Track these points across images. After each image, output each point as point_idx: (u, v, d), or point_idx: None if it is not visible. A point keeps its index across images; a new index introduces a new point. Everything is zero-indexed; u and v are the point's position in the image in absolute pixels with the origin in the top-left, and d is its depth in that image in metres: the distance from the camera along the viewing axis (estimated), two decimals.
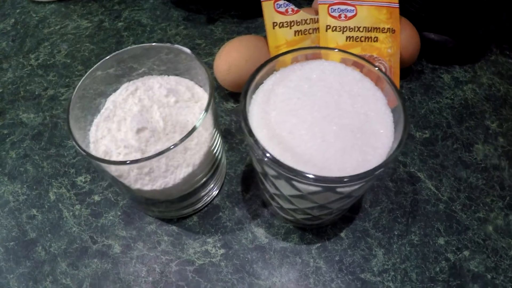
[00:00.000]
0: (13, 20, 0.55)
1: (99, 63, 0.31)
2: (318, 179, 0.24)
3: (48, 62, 0.49)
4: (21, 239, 0.35)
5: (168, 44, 0.31)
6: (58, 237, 0.35)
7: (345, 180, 0.24)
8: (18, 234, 0.36)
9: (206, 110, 0.27)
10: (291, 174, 0.24)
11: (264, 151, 0.24)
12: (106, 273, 0.33)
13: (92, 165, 0.39)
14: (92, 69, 0.31)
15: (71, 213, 0.37)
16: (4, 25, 0.54)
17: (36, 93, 0.46)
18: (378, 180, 0.37)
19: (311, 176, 0.23)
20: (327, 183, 0.24)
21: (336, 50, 0.29)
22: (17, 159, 0.40)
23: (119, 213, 0.36)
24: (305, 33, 0.39)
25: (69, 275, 0.33)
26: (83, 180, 0.38)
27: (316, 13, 0.39)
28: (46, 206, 0.37)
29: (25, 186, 0.39)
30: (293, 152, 0.26)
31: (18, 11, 0.56)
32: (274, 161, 0.24)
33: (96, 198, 0.37)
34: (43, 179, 0.39)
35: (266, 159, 0.24)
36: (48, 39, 0.51)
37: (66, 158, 0.40)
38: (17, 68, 0.49)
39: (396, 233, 0.34)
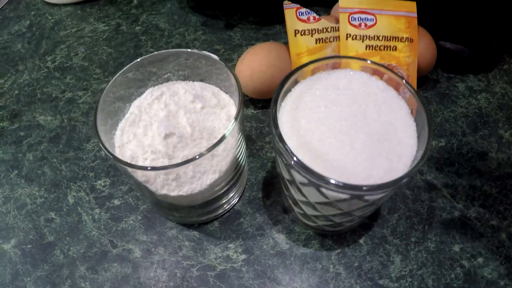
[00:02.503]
0: (28, 22, 0.55)
1: (125, 68, 0.31)
2: (347, 187, 0.24)
3: (65, 65, 0.49)
4: (38, 242, 0.35)
5: (196, 50, 0.31)
6: (77, 240, 0.35)
7: (373, 188, 0.24)
8: (36, 237, 0.36)
9: (236, 118, 0.27)
10: (321, 181, 0.24)
11: (294, 157, 0.25)
12: (126, 277, 0.33)
13: (113, 169, 0.39)
14: (118, 73, 0.31)
15: (90, 217, 0.37)
16: (19, 27, 0.54)
17: (53, 95, 0.46)
18: (397, 189, 0.38)
19: (340, 183, 0.24)
20: (356, 190, 0.24)
21: (369, 61, 0.30)
22: (34, 162, 0.41)
23: (140, 218, 0.36)
24: (326, 41, 0.39)
25: (88, 279, 0.33)
26: (103, 184, 0.38)
27: (336, 21, 0.40)
28: (65, 210, 0.37)
29: (42, 189, 0.39)
30: (323, 159, 0.26)
31: (33, 13, 0.56)
32: (305, 168, 0.24)
33: (116, 202, 0.37)
34: (62, 182, 0.39)
35: (296, 166, 0.25)
36: (65, 42, 0.51)
37: (85, 162, 0.40)
38: (33, 70, 0.49)
39: (413, 240, 0.35)
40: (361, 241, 0.35)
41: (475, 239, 0.35)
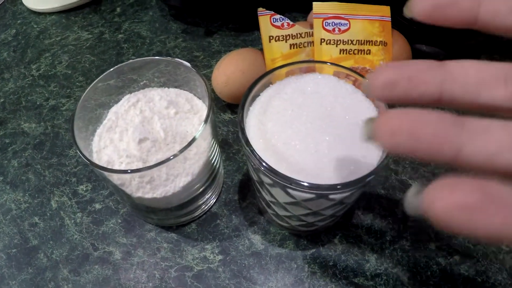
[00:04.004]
0: (14, 30, 0.56)
1: (102, 75, 0.32)
2: (311, 187, 0.25)
3: (49, 73, 0.50)
4: (23, 246, 0.36)
5: (169, 58, 0.32)
6: (60, 244, 0.36)
7: (337, 187, 0.25)
8: (20, 241, 0.37)
9: (205, 121, 0.28)
10: (286, 182, 0.25)
11: (260, 160, 0.25)
12: (107, 279, 0.34)
13: (94, 174, 0.40)
14: (95, 81, 0.32)
15: (72, 221, 0.37)
16: (5, 36, 0.55)
17: (38, 103, 0.47)
18: (370, 188, 0.38)
19: (305, 183, 0.25)
20: (320, 190, 0.25)
21: (329, 63, 0.31)
22: (19, 168, 0.41)
23: (120, 221, 0.37)
24: (300, 46, 0.40)
25: (70, 281, 0.34)
26: (84, 189, 0.39)
27: (311, 26, 0.41)
28: (48, 214, 0.38)
29: (27, 194, 0.40)
30: (288, 162, 0.27)
31: (19, 21, 0.57)
32: (270, 170, 0.25)
33: (97, 206, 0.38)
34: (45, 188, 0.40)
35: (262, 168, 0.26)
36: (49, 50, 0.52)
37: (67, 167, 0.41)
38: (18, 78, 0.50)
39: (388, 238, 0.36)
40: (336, 240, 0.36)
41: (451, 237, 0.35)
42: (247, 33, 0.53)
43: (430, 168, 0.40)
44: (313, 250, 0.35)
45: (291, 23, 0.40)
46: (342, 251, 0.35)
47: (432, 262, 0.34)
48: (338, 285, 0.33)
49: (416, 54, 0.45)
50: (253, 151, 0.26)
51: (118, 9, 0.57)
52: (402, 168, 0.40)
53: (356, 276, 0.34)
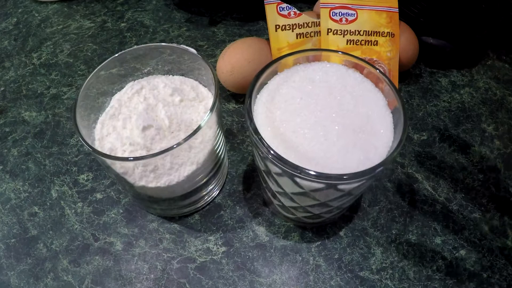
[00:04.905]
0: (15, 19, 0.55)
1: (104, 63, 0.32)
2: (321, 176, 0.24)
3: (51, 61, 0.49)
4: (22, 236, 0.36)
5: (174, 44, 0.32)
6: (60, 234, 0.36)
7: (346, 177, 0.24)
8: (20, 231, 0.36)
9: (212, 109, 0.28)
10: (294, 171, 0.24)
11: (268, 148, 0.25)
12: (108, 270, 0.33)
13: (95, 163, 0.40)
14: (97, 68, 0.31)
15: (73, 210, 0.37)
16: (6, 24, 0.54)
17: (39, 91, 0.46)
18: (377, 180, 0.38)
19: (313, 172, 0.24)
20: (329, 180, 0.25)
21: (340, 52, 0.30)
22: (19, 157, 0.41)
23: (121, 211, 0.36)
24: (307, 36, 0.40)
25: (70, 272, 0.33)
26: (85, 178, 0.39)
27: (318, 16, 0.40)
28: (48, 204, 0.37)
29: (27, 183, 0.39)
30: (297, 150, 0.26)
31: (20, 10, 0.56)
32: (278, 158, 0.25)
33: (98, 196, 0.38)
34: (45, 177, 0.39)
35: (270, 156, 0.25)
36: (51, 39, 0.52)
37: (68, 156, 0.40)
38: (19, 66, 0.49)
39: (394, 232, 0.35)
40: (341, 233, 0.35)
41: (457, 232, 0.35)
42: (251, 22, 0.52)
43: (436, 162, 0.39)
44: (318, 242, 0.34)
45: (298, 12, 0.39)
46: (348, 244, 0.34)
47: (438, 257, 0.34)
48: (343, 279, 0.33)
49: (423, 46, 0.45)
50: (261, 139, 0.25)
51: None
52: (409, 161, 0.39)
53: (362, 270, 0.33)
